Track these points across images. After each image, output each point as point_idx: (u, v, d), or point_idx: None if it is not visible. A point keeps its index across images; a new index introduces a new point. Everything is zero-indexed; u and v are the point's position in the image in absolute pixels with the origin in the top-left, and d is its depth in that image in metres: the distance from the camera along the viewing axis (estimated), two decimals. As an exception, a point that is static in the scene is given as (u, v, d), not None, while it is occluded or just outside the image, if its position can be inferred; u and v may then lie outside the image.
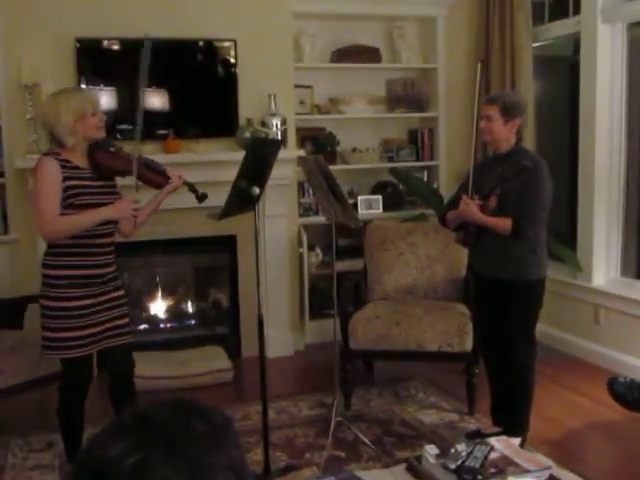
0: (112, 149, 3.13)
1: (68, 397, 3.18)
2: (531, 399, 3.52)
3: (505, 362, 3.51)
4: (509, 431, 3.40)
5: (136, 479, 0.76)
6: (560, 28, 5.19)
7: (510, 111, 3.30)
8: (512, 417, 3.51)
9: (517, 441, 3.34)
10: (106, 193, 3.08)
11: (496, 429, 3.47)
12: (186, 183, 3.27)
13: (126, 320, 3.20)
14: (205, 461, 0.80)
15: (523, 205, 3.26)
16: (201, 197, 3.28)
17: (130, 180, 3.15)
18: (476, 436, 3.57)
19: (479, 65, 3.46)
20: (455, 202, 3.46)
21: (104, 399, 3.34)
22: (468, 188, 3.35)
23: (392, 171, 5.57)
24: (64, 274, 3.01)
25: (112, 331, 3.11)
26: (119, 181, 3.25)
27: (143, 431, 0.81)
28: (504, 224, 3.27)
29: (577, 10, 4.92)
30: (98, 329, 3.06)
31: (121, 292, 3.20)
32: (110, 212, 3.04)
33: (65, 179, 2.95)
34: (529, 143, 5.14)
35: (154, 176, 3.21)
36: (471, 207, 3.27)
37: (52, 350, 3.06)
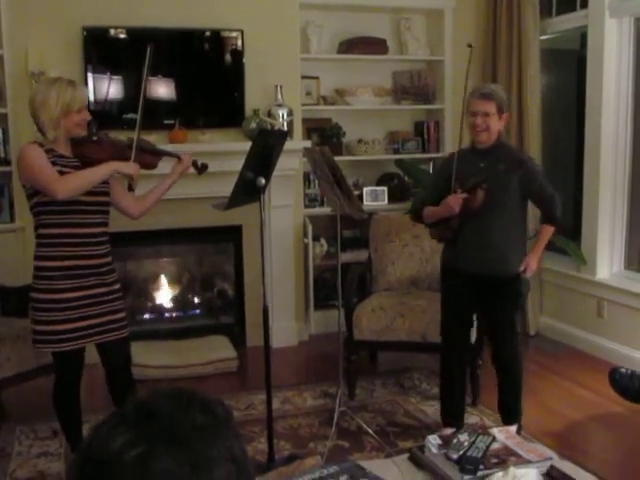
0: (94, 138, 3.05)
1: (61, 389, 3.14)
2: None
3: (495, 359, 3.51)
4: (510, 416, 3.43)
5: (139, 471, 0.77)
6: (567, 22, 5.18)
7: (504, 107, 3.30)
8: (511, 406, 3.50)
9: (514, 428, 3.36)
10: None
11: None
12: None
13: (121, 315, 3.11)
14: (206, 453, 0.81)
15: (543, 192, 3.35)
16: (201, 168, 3.23)
17: None
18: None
19: (470, 50, 3.36)
20: (433, 197, 3.43)
21: (105, 388, 3.35)
22: (451, 183, 3.29)
23: (398, 163, 5.58)
24: (53, 265, 2.94)
25: (106, 326, 3.04)
26: None
27: (145, 423, 0.82)
28: (547, 232, 3.44)
29: (585, 4, 4.90)
30: (89, 322, 2.99)
31: (116, 287, 3.10)
32: (118, 165, 2.97)
33: (52, 164, 2.88)
34: (535, 136, 5.15)
35: (150, 158, 3.15)
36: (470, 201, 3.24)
37: (42, 343, 3.00)
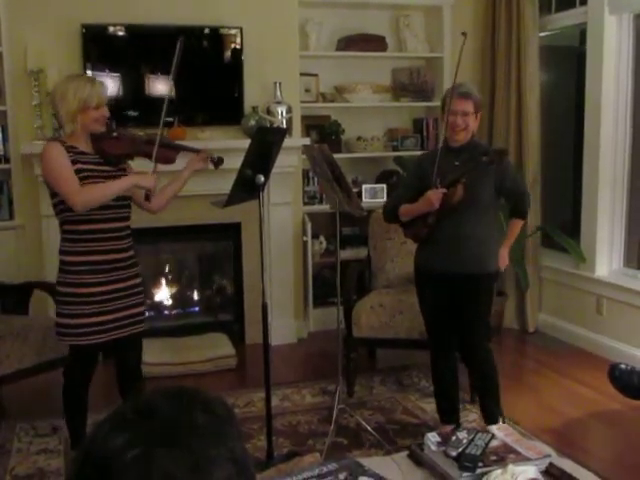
0: (114, 134, 3.10)
1: (73, 382, 3.19)
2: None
3: (468, 357, 3.48)
4: (491, 418, 3.36)
5: (139, 471, 0.77)
6: (567, 18, 5.18)
7: (480, 105, 3.32)
8: (491, 404, 3.45)
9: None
10: (116, 177, 3.05)
11: None
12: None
13: (141, 309, 3.19)
14: (207, 454, 0.80)
15: (517, 188, 3.41)
16: (217, 162, 3.25)
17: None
18: None
19: (463, 39, 3.27)
20: (408, 195, 3.39)
21: (109, 386, 3.36)
22: (431, 180, 3.23)
23: (397, 160, 5.57)
24: (80, 260, 2.99)
25: (127, 320, 3.10)
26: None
27: (145, 423, 0.81)
28: (518, 226, 3.51)
29: (584, 0, 4.90)
30: (113, 317, 3.05)
31: (138, 280, 3.17)
32: (137, 179, 3.04)
33: (73, 162, 2.95)
34: (534, 133, 5.15)
35: (170, 153, 3.19)
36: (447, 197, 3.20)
37: (65, 336, 3.04)
